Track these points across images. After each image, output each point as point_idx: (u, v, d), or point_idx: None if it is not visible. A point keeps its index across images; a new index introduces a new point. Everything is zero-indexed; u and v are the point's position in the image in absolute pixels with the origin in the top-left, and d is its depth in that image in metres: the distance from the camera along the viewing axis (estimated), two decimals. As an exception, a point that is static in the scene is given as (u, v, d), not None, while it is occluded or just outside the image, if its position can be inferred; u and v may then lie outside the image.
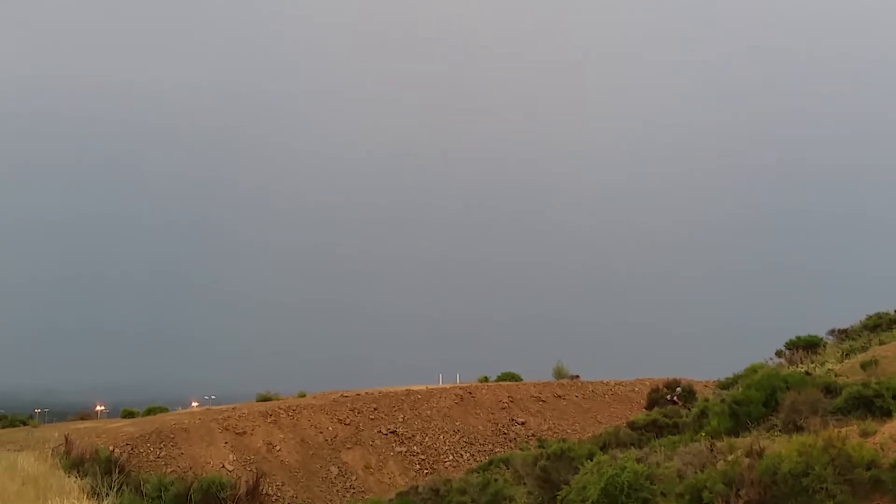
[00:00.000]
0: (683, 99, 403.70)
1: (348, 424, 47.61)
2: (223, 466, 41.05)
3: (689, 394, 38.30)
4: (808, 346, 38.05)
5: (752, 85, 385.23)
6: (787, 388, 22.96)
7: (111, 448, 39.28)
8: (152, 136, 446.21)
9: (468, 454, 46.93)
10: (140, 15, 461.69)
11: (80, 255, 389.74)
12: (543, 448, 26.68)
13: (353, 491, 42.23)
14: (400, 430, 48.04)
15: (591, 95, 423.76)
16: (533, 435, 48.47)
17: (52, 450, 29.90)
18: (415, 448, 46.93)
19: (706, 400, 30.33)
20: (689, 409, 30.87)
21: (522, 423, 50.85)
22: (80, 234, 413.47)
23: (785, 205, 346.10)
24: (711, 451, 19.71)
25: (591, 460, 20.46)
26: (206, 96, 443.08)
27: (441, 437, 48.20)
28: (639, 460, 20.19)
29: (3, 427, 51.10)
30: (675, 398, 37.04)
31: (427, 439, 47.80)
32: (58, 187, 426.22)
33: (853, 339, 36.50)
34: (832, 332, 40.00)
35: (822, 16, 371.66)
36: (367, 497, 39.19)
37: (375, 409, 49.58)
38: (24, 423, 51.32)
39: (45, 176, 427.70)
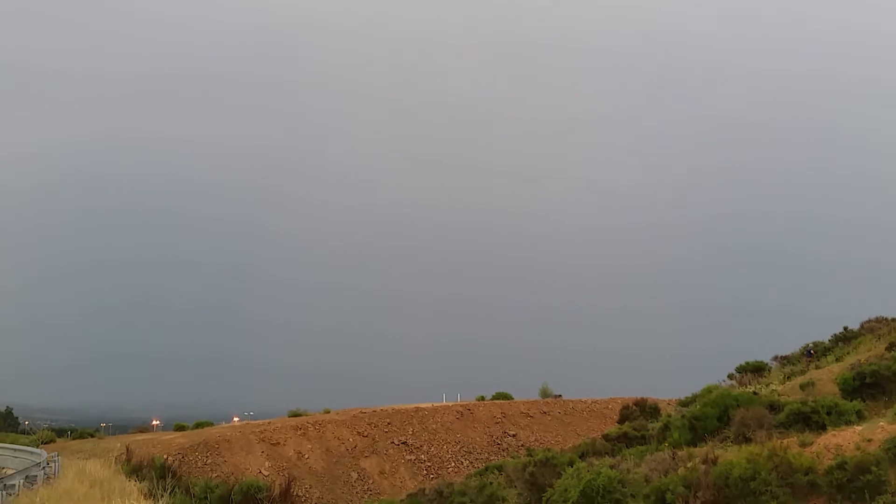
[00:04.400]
0: (650, 156, 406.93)
1: (366, 436, 47.24)
2: (260, 472, 40.68)
3: (654, 410, 37.99)
4: (755, 369, 37.97)
5: (715, 145, 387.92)
6: (738, 405, 22.91)
7: (165, 456, 39.01)
8: (201, 188, 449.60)
9: (467, 462, 46.47)
10: (192, 86, 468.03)
11: (140, 291, 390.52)
12: (531, 456, 26.47)
13: (369, 493, 41.79)
14: (410, 442, 47.64)
15: (571, 152, 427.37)
16: (522, 445, 47.99)
17: (115, 458, 29.77)
18: (422, 456, 46.49)
19: (669, 416, 30.14)
20: (655, 422, 30.62)
21: (513, 436, 50.40)
22: (140, 273, 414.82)
23: (736, 248, 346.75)
24: (673, 459, 19.64)
25: (572, 467, 20.40)
26: (245, 155, 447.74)
27: (444, 447, 47.78)
28: (612, 467, 20.11)
29: (74, 438, 50.87)
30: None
31: (433, 449, 47.37)
32: (121, 233, 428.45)
33: (793, 364, 36.40)
34: (776, 358, 39.92)
35: (785, 83, 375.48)
36: (381, 498, 38.76)
37: (389, 423, 49.22)
38: (92, 435, 51.06)
39: (110, 223, 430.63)
